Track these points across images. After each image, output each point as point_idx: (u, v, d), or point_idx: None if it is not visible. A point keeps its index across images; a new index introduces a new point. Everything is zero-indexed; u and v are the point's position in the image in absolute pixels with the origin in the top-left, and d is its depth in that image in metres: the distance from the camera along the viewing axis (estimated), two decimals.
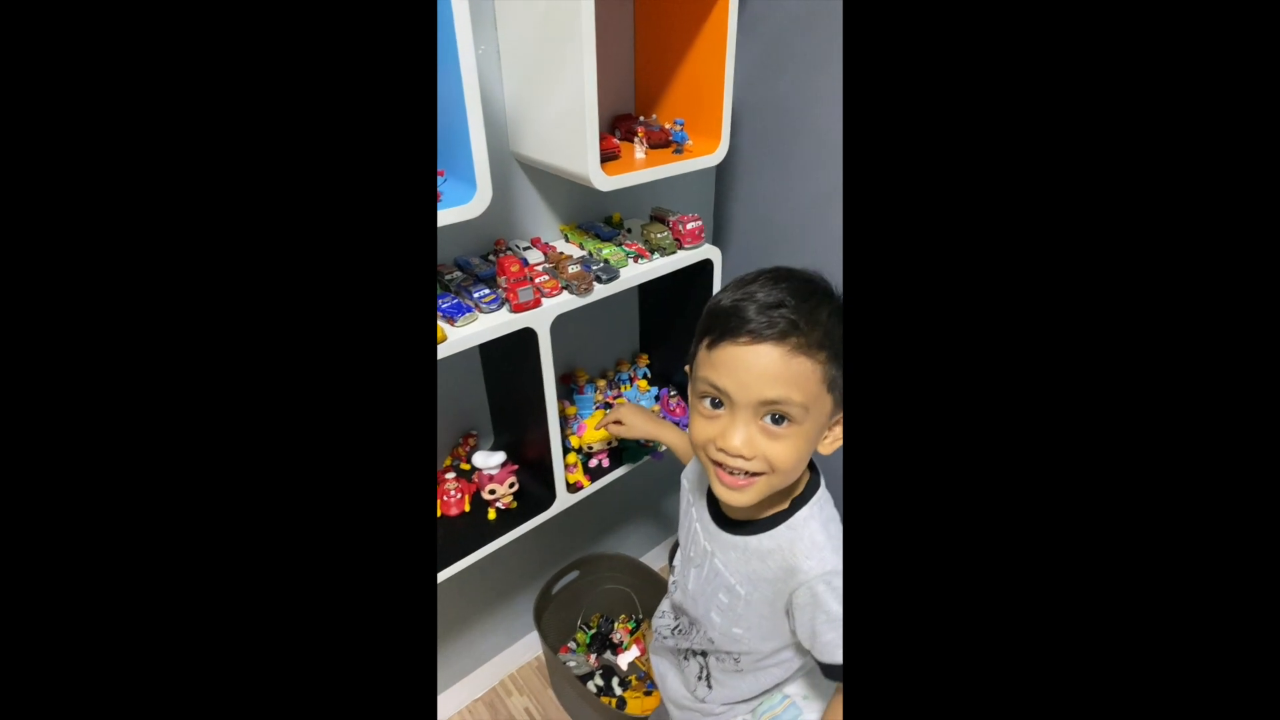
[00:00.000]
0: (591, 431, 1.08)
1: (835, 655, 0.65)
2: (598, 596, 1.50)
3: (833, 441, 0.64)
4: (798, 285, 0.60)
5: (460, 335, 0.80)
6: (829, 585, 0.64)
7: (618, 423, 1.04)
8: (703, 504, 0.76)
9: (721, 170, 1.28)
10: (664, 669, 0.89)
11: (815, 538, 0.66)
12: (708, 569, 0.74)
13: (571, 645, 1.48)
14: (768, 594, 0.70)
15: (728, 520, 0.72)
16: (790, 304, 0.58)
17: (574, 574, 1.45)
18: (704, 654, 0.81)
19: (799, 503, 0.68)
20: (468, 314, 0.82)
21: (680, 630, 0.84)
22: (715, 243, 1.38)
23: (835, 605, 0.64)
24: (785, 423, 0.59)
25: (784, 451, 0.60)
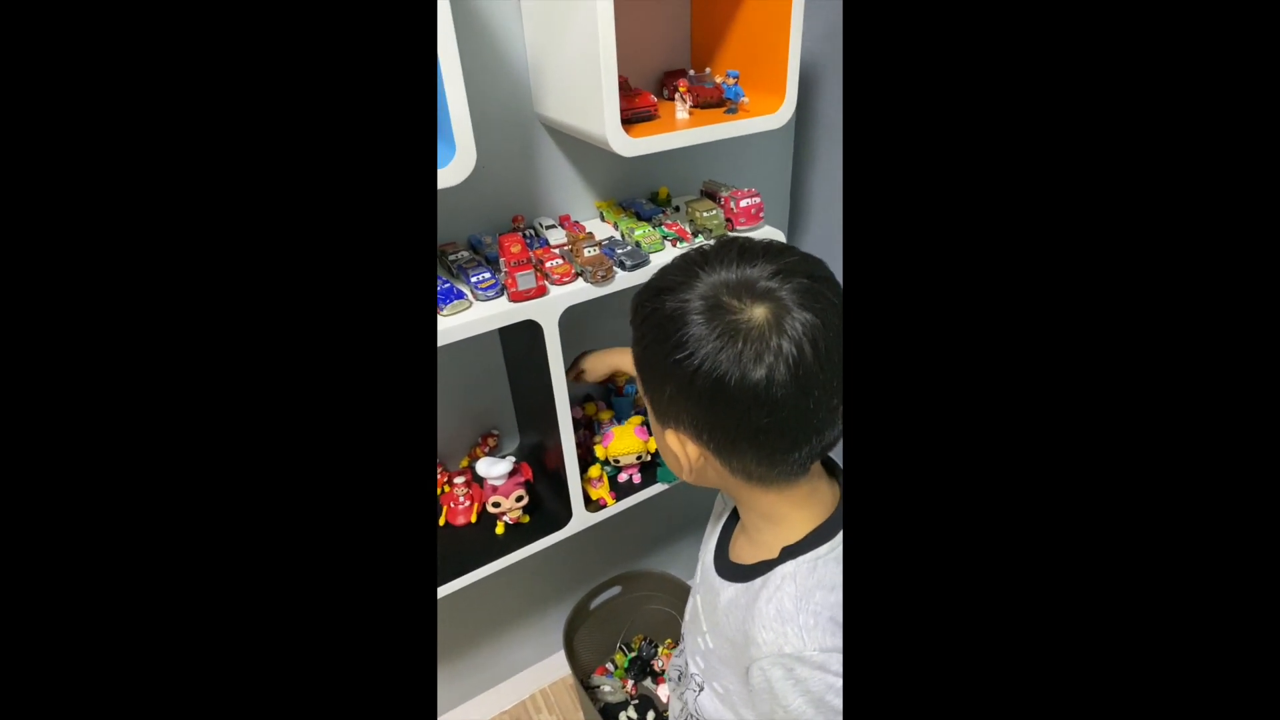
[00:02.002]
0: (619, 441, 0.93)
1: None
2: (640, 617, 1.36)
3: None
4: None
5: (445, 326, 0.68)
6: (788, 673, 0.47)
7: (580, 372, 0.91)
8: (717, 531, 0.65)
9: (800, 139, 1.08)
10: None
11: (781, 606, 0.49)
12: (693, 605, 0.64)
13: (609, 666, 1.35)
14: (728, 655, 0.56)
15: (724, 556, 0.61)
16: None
17: (615, 589, 1.31)
18: None
19: (788, 554, 0.52)
20: (457, 301, 0.69)
21: (682, 677, 0.70)
22: (792, 225, 1.18)
23: (797, 700, 0.47)
24: None
25: None
